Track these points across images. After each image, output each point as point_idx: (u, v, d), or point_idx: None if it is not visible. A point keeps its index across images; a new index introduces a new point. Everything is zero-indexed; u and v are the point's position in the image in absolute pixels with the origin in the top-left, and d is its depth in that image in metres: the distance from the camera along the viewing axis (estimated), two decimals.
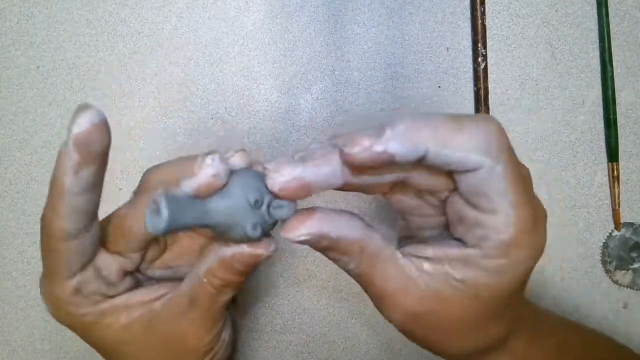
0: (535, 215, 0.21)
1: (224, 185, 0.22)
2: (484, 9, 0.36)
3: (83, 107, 0.20)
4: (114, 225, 0.25)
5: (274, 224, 0.23)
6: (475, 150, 0.20)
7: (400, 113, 0.22)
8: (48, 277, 0.23)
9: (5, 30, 0.35)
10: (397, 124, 0.20)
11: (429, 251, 0.22)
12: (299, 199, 0.22)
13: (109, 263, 0.24)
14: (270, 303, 0.36)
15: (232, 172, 0.22)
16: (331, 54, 0.36)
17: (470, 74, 0.36)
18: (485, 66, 0.36)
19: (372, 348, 0.37)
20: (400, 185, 0.24)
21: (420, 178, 0.22)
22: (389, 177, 0.22)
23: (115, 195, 0.36)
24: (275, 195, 0.22)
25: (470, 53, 0.36)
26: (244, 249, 0.23)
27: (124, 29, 0.35)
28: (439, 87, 0.36)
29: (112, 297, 0.25)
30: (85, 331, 0.25)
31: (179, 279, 0.26)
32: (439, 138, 0.20)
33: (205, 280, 0.24)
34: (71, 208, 0.21)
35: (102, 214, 0.36)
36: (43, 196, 0.35)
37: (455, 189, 0.22)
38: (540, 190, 0.37)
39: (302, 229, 0.21)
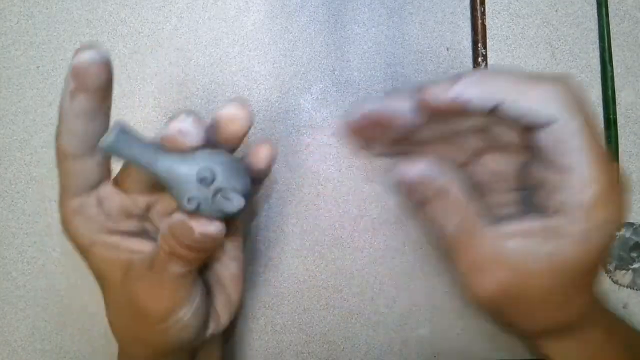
0: (612, 174, 0.21)
1: (192, 149, 0.23)
2: (484, 9, 0.36)
3: (88, 45, 0.23)
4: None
5: (220, 212, 0.23)
6: (550, 102, 0.20)
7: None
8: (60, 193, 0.26)
9: (5, 30, 0.35)
10: (472, 75, 0.21)
11: (512, 227, 0.22)
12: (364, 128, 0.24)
13: (111, 196, 0.26)
14: (270, 303, 0.36)
15: (210, 149, 0.23)
16: (331, 54, 0.36)
17: None
18: (486, 66, 0.36)
19: (372, 348, 0.37)
20: (478, 152, 0.25)
21: (497, 131, 0.23)
22: (464, 125, 0.23)
23: None
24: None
25: (470, 53, 0.36)
26: (181, 217, 0.24)
27: (124, 29, 0.35)
28: None
29: (110, 232, 0.26)
30: (81, 252, 0.27)
31: None
32: (515, 88, 0.20)
33: (160, 242, 0.25)
34: (67, 129, 0.24)
35: None
36: (43, 196, 0.36)
37: (532, 153, 0.22)
38: None
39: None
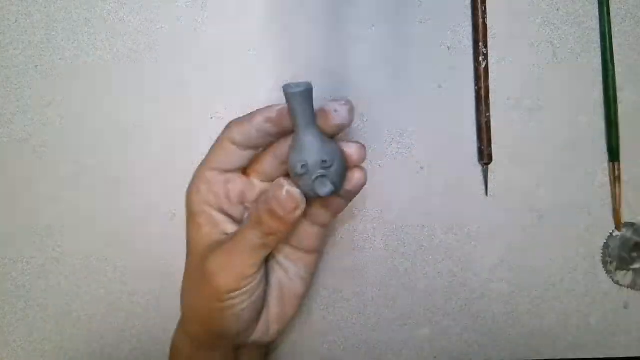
0: None
1: (330, 136, 0.28)
2: (485, 8, 0.36)
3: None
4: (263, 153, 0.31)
5: (312, 191, 0.27)
6: None
7: None
8: (204, 160, 0.31)
9: (4, 29, 0.35)
10: None
11: None
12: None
13: (237, 180, 0.31)
14: None
15: (341, 148, 0.28)
16: (331, 54, 0.36)
17: (471, 74, 0.36)
18: (486, 65, 0.36)
19: (372, 348, 0.37)
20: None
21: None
22: None
23: (115, 194, 0.36)
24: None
25: (471, 52, 0.36)
26: (282, 182, 0.27)
27: (123, 28, 0.35)
28: (440, 86, 0.36)
29: (220, 210, 0.31)
30: (187, 215, 0.31)
31: None
32: None
33: (250, 210, 0.30)
34: (244, 130, 0.29)
35: (102, 211, 0.36)
36: (43, 196, 0.36)
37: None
38: (541, 191, 0.37)
39: None
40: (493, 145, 0.36)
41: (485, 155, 0.36)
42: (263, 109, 0.29)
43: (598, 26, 0.36)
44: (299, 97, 0.26)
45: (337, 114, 0.27)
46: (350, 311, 0.37)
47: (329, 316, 0.37)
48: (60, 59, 0.35)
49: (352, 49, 0.36)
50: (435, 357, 0.37)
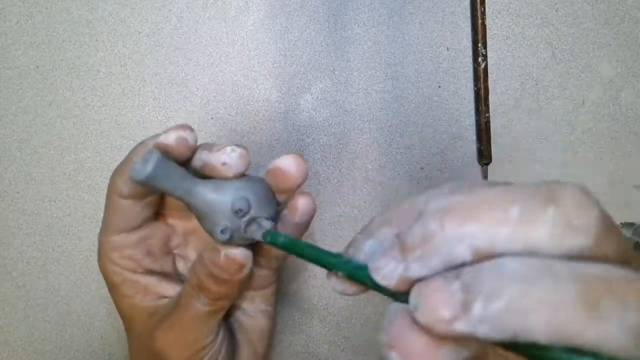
0: None
1: (227, 179, 0.22)
2: (484, 8, 0.36)
3: (179, 128, 0.23)
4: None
5: (250, 240, 0.23)
6: (618, 343, 0.14)
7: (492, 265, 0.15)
8: (102, 226, 0.26)
9: (5, 30, 0.35)
10: (492, 294, 0.14)
11: None
12: None
13: (157, 233, 0.26)
14: None
15: (244, 175, 0.23)
16: (331, 54, 0.36)
17: (470, 74, 0.36)
18: (486, 66, 0.36)
19: (372, 348, 0.37)
20: None
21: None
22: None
23: None
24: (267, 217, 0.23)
25: (471, 53, 0.36)
26: (219, 247, 0.23)
27: (123, 28, 0.35)
28: (439, 87, 0.36)
29: (144, 272, 0.26)
30: (109, 289, 0.27)
31: None
32: (560, 329, 0.14)
33: (189, 276, 0.25)
34: (127, 175, 0.24)
35: (101, 213, 0.36)
36: (43, 196, 0.36)
37: None
38: None
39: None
40: (493, 145, 0.36)
41: (485, 155, 0.36)
42: (138, 144, 0.25)
43: (597, 26, 0.37)
44: (152, 178, 0.21)
45: (227, 167, 0.22)
46: (350, 311, 0.37)
47: (329, 316, 0.37)
48: (61, 59, 0.35)
49: (352, 49, 0.36)
50: None
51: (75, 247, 0.36)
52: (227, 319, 0.28)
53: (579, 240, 0.14)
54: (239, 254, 0.23)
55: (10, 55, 0.35)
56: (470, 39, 0.36)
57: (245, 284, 0.26)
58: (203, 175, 0.23)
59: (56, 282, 0.36)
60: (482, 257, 0.15)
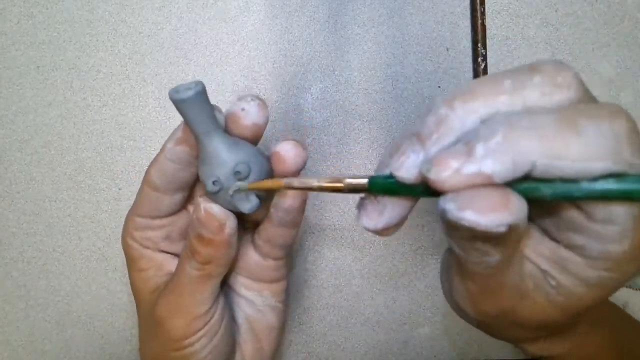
0: None
1: (246, 137, 0.24)
2: (484, 9, 0.36)
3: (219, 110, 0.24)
4: None
5: (233, 207, 0.24)
6: (600, 157, 0.16)
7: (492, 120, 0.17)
8: (132, 206, 0.27)
9: (6, 30, 0.35)
10: (490, 135, 0.16)
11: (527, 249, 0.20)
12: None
13: (178, 222, 0.27)
14: None
15: (257, 149, 0.24)
16: (331, 54, 0.36)
17: (470, 74, 0.36)
18: (485, 66, 0.36)
19: (372, 348, 0.37)
20: None
21: None
22: None
23: (115, 194, 0.36)
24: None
25: (470, 53, 0.36)
26: (199, 200, 0.24)
27: (124, 29, 0.35)
28: (439, 87, 0.36)
29: (161, 250, 0.27)
30: (127, 262, 0.28)
31: None
32: (549, 148, 0.16)
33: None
34: (160, 166, 0.25)
35: (101, 212, 0.36)
36: (43, 196, 0.36)
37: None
38: None
39: (502, 216, 0.16)
40: None
41: None
42: (171, 134, 0.26)
43: (597, 26, 0.37)
44: (187, 103, 0.22)
45: (245, 113, 0.23)
46: (349, 311, 0.37)
47: (329, 316, 0.37)
48: (61, 59, 0.36)
49: (352, 49, 0.36)
50: (435, 357, 0.37)
51: (75, 247, 0.36)
52: (236, 311, 0.29)
53: (565, 94, 0.17)
54: (217, 209, 0.24)
55: (10, 55, 0.35)
56: (469, 39, 0.36)
57: (232, 252, 0.26)
58: (228, 130, 0.24)
59: (56, 282, 0.36)
60: None
